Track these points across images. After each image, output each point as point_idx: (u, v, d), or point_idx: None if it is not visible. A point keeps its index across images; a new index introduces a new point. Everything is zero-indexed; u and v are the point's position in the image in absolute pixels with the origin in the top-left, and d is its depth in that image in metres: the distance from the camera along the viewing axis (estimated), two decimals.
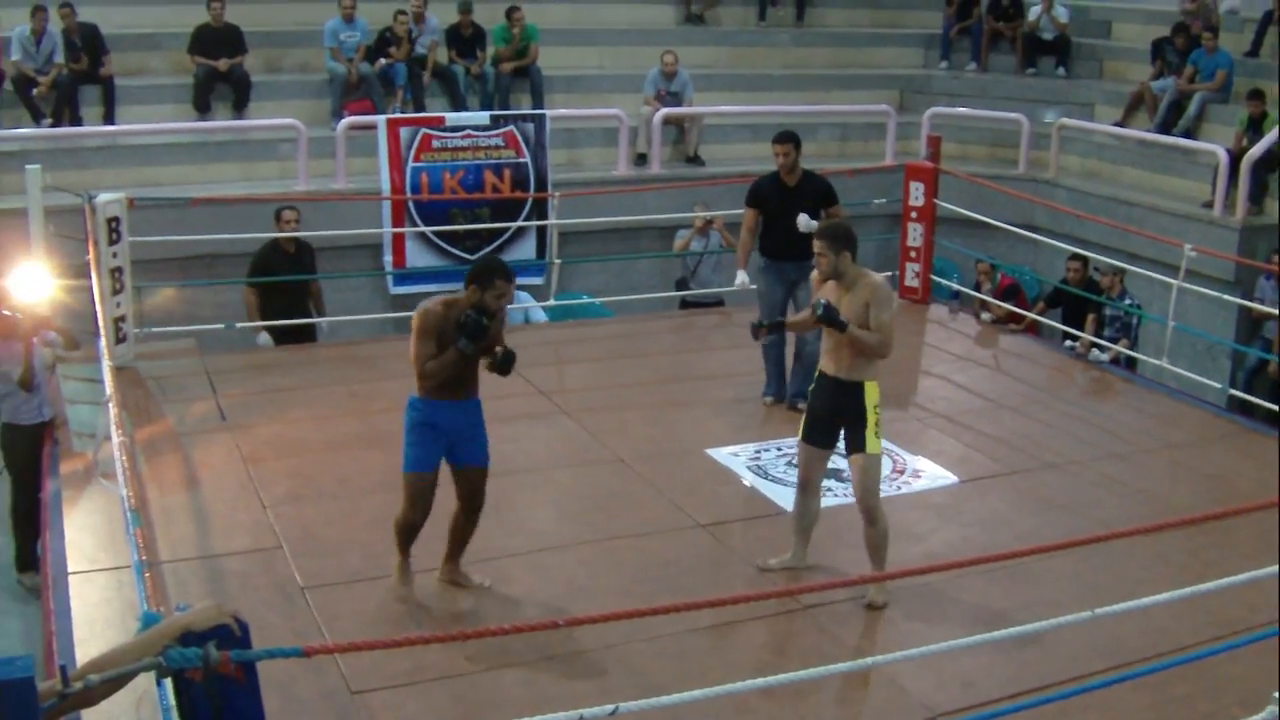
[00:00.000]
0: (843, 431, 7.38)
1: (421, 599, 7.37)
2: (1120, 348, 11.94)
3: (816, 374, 7.48)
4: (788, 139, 10.08)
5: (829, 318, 7.14)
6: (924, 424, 10.21)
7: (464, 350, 6.81)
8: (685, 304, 14.14)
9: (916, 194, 12.98)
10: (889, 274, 13.50)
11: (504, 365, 7.04)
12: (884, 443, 9.48)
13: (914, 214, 13.03)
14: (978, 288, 13.38)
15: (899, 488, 8.95)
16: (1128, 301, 12.31)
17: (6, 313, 9.73)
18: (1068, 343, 12.54)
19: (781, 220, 10.05)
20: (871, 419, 7.24)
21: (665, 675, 6.53)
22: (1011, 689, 6.43)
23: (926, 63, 19.78)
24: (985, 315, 12.88)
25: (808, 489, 7.60)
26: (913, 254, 13.14)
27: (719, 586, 7.42)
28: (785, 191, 10.15)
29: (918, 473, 9.21)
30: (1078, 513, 8.63)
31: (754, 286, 10.45)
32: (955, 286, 13.67)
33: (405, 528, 7.23)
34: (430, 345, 6.88)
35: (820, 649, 6.82)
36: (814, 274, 7.51)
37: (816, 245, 7.29)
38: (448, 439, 7.08)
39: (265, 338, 11.93)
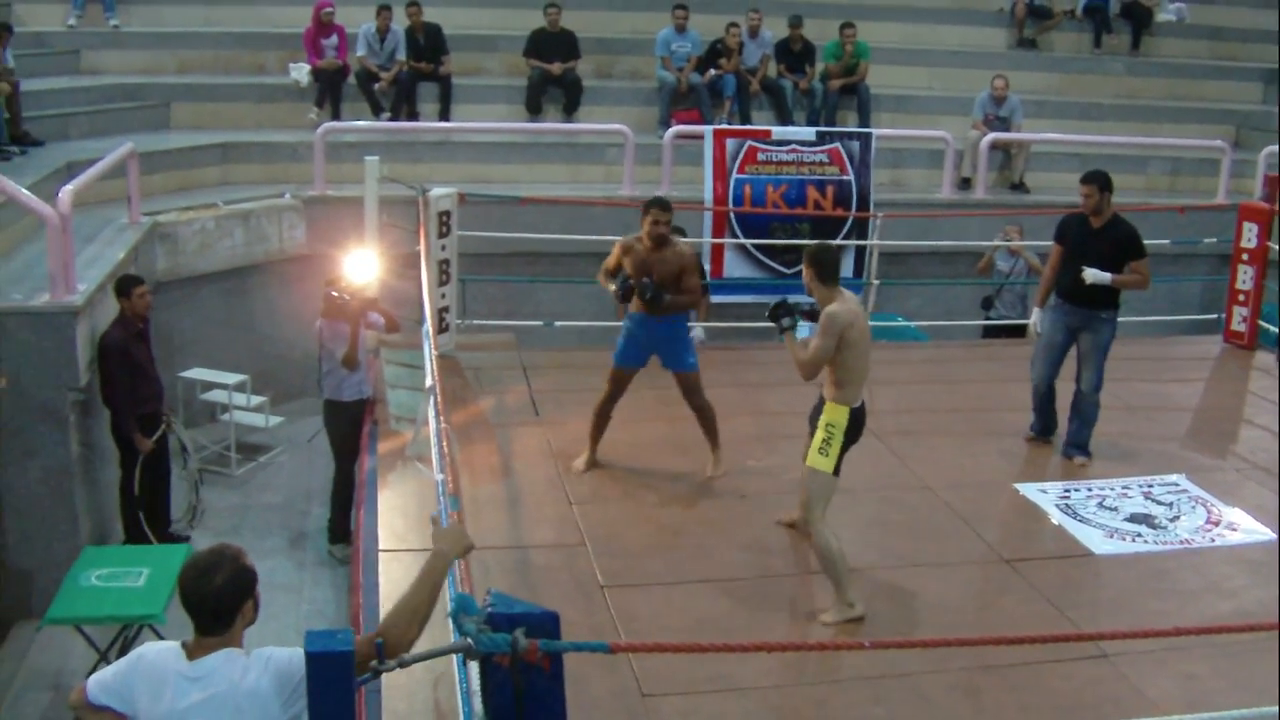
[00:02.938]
0: None
1: (719, 609, 7.44)
2: None
3: None
4: (1092, 180, 9.53)
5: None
6: (1243, 475, 9.83)
7: (614, 294, 9.06)
8: (989, 331, 13.90)
9: (1249, 235, 12.50)
10: (1214, 316, 13.10)
11: (643, 295, 8.71)
12: (1187, 483, 9.28)
13: (1245, 255, 12.55)
14: None
15: (1213, 540, 8.64)
16: None
17: (336, 294, 10.14)
18: None
19: (1079, 262, 9.56)
20: (819, 435, 7.31)
21: (958, 710, 6.46)
22: None
23: (1265, 98, 19.07)
24: None
25: None
26: (1241, 297, 12.66)
27: (1018, 625, 7.27)
28: (1089, 233, 9.61)
29: (1233, 525, 8.87)
30: None
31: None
32: None
33: (603, 402, 9.15)
34: (615, 260, 8.85)
35: (1118, 699, 6.63)
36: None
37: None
38: (650, 346, 9.01)
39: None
